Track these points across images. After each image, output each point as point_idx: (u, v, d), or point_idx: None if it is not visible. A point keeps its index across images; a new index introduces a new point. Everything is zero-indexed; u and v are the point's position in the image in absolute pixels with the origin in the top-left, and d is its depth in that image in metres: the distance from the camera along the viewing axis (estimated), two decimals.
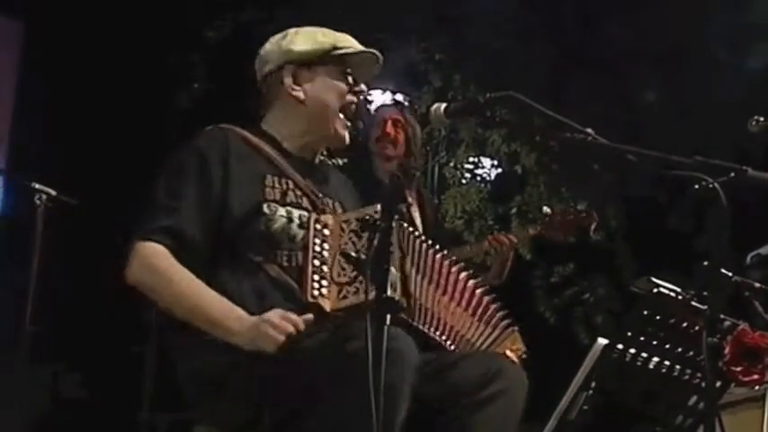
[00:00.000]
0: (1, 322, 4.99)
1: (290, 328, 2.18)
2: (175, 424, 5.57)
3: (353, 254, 2.33)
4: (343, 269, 2.30)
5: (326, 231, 2.36)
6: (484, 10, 6.41)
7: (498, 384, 2.29)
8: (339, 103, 2.52)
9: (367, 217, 2.33)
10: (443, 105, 2.39)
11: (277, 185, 2.44)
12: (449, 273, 2.51)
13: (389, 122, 3.81)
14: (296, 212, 2.41)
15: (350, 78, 2.54)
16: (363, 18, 6.42)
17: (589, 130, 2.23)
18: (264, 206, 2.39)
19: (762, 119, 2.93)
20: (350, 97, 2.54)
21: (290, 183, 2.46)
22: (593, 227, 3.99)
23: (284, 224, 2.39)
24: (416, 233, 2.51)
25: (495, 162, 6.84)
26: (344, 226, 2.36)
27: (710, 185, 2.03)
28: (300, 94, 2.52)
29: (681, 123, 5.98)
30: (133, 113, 6.15)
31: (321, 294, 2.28)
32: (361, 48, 2.57)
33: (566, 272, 6.57)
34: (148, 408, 4.71)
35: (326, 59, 2.53)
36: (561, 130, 2.25)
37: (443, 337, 2.44)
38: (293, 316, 2.21)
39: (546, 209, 4.08)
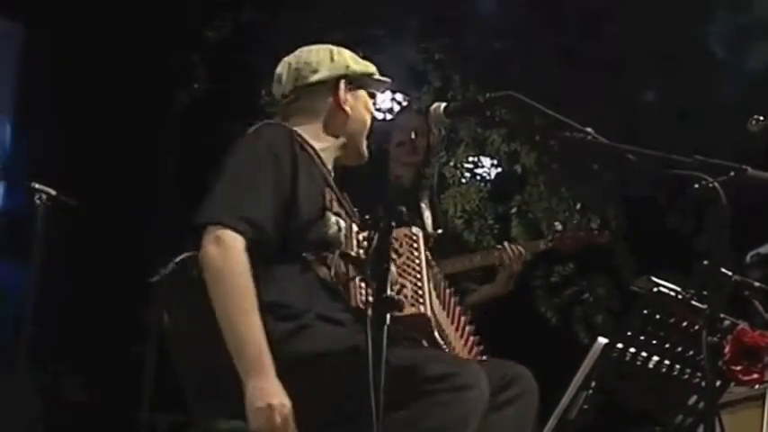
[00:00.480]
0: (0, 322, 4.99)
1: None
2: (175, 424, 5.57)
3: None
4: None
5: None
6: (484, 10, 6.41)
7: (515, 389, 2.35)
8: (369, 123, 2.68)
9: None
10: (443, 105, 2.41)
11: (327, 194, 2.51)
12: (450, 297, 2.64)
13: (415, 130, 3.82)
14: (342, 222, 2.48)
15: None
16: (363, 18, 6.42)
17: (589, 130, 2.23)
18: (326, 211, 2.47)
19: (761, 118, 2.93)
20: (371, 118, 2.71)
21: (334, 194, 2.54)
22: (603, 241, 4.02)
23: (335, 231, 2.46)
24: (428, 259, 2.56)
25: (495, 161, 6.84)
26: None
27: (710, 185, 2.04)
28: (349, 109, 2.62)
29: (680, 123, 5.98)
30: (133, 113, 6.15)
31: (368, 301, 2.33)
32: (385, 79, 2.75)
33: (566, 271, 6.57)
34: (148, 408, 4.71)
35: (367, 83, 2.68)
36: (561, 129, 2.26)
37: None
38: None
39: (558, 225, 4.11)
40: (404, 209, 2.41)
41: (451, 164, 6.76)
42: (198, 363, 2.42)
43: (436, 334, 2.43)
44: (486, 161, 6.86)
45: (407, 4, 6.59)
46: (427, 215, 3.84)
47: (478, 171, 6.88)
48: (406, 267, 2.46)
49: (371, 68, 2.69)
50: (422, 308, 2.36)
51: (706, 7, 5.95)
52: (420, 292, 2.41)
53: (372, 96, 2.70)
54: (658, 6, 6.09)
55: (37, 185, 4.15)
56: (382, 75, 2.73)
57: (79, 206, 4.26)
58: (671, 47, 6.15)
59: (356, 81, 2.65)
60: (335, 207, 2.50)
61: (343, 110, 2.62)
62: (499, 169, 6.86)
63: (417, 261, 2.47)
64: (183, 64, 6.54)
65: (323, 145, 2.60)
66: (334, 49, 2.70)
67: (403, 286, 2.39)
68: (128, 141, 6.11)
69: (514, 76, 6.36)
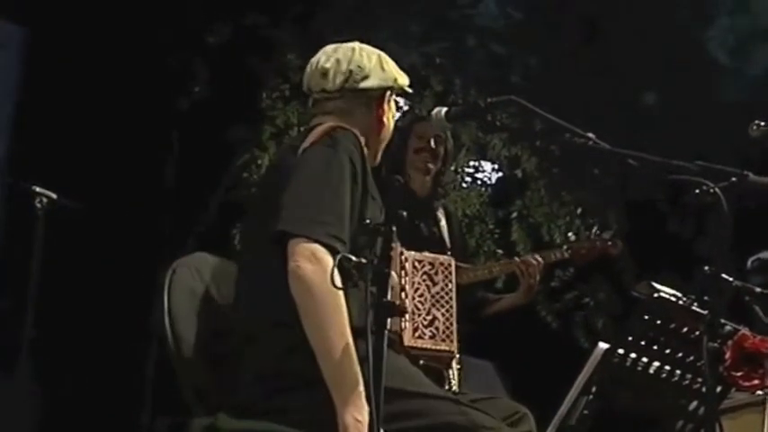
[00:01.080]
0: (1, 326, 4.99)
1: None
2: (176, 427, 5.56)
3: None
4: (420, 310, 2.38)
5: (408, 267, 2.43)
6: (484, 13, 6.41)
7: (524, 426, 2.35)
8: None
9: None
10: (444, 109, 2.40)
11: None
12: None
13: (434, 139, 3.83)
14: None
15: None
16: (364, 22, 6.42)
17: (590, 135, 2.23)
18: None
19: (762, 123, 2.92)
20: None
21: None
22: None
23: None
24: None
25: (496, 166, 6.84)
26: (417, 265, 2.45)
27: (711, 190, 2.03)
28: (385, 119, 2.61)
29: (681, 128, 5.98)
30: (134, 117, 6.15)
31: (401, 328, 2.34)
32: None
33: (566, 276, 6.56)
34: (149, 412, 4.72)
35: (397, 93, 2.66)
36: (562, 134, 2.26)
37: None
38: None
39: (571, 235, 4.12)
40: (404, 213, 2.40)
41: (452, 168, 6.76)
42: (199, 366, 2.41)
43: (453, 363, 2.47)
44: (487, 165, 6.85)
45: (408, 7, 6.59)
46: (443, 223, 3.85)
47: (479, 175, 6.88)
48: (440, 299, 2.48)
49: (407, 81, 2.68)
50: (452, 346, 2.40)
51: (707, 10, 5.96)
52: (450, 328, 2.44)
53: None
54: (659, 9, 6.09)
55: (38, 189, 4.15)
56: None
57: (80, 210, 4.27)
58: (672, 51, 6.15)
59: (395, 93, 2.65)
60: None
61: (382, 121, 2.60)
62: (500, 174, 6.86)
63: (450, 296, 2.50)
64: (184, 68, 6.54)
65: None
66: (383, 56, 2.66)
67: (435, 319, 2.38)
68: (129, 145, 6.11)
69: (516, 80, 6.37)
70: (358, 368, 2.20)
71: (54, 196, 4.17)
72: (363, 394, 2.18)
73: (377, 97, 2.59)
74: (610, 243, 4.00)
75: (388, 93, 2.61)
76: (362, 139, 2.47)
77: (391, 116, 2.63)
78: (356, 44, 2.67)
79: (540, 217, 6.56)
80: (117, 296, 5.64)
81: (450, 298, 2.49)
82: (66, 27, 6.02)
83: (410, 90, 2.68)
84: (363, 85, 2.58)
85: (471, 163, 6.85)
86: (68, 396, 6.03)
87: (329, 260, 2.23)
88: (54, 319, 5.05)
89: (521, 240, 6.35)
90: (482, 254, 6.26)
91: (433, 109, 2.47)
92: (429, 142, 3.79)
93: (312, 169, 2.36)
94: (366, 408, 2.17)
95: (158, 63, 6.29)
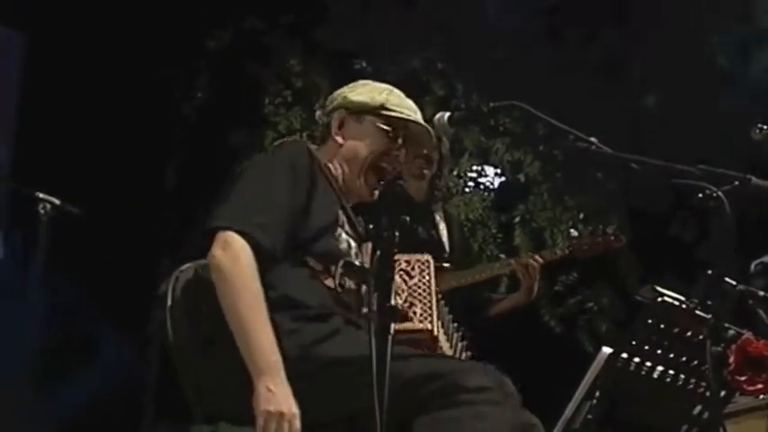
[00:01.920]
0: (4, 332, 4.99)
1: None
2: None
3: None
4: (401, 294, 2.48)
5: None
6: (486, 18, 6.41)
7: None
8: (373, 155, 2.60)
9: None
10: (447, 114, 2.41)
11: (340, 214, 2.55)
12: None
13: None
14: (353, 242, 2.53)
15: (394, 142, 2.62)
16: (365, 27, 6.43)
17: (593, 139, 2.23)
18: (338, 227, 2.51)
19: (765, 127, 2.92)
20: (388, 157, 2.61)
21: (346, 215, 2.58)
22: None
23: (346, 248, 2.51)
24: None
25: (499, 170, 6.84)
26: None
27: (714, 194, 2.03)
28: (339, 139, 2.63)
29: (684, 132, 5.98)
30: (136, 123, 6.16)
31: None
32: (413, 117, 2.64)
33: (570, 281, 6.56)
34: (151, 418, 4.70)
35: (375, 115, 2.63)
36: (565, 138, 2.26)
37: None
38: None
39: (573, 232, 4.11)
40: (407, 218, 2.41)
41: (455, 173, 6.76)
42: (200, 370, 2.42)
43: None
44: (490, 170, 6.86)
45: (410, 12, 6.60)
46: (442, 227, 3.85)
47: (482, 180, 6.88)
48: (416, 289, 2.54)
49: (384, 103, 2.63)
50: (429, 325, 2.45)
51: (709, 16, 5.96)
52: (429, 311, 2.50)
53: (392, 136, 2.61)
54: (660, 13, 6.09)
55: (41, 195, 4.15)
56: (420, 117, 2.66)
57: (83, 216, 4.27)
58: (674, 56, 6.15)
59: (364, 114, 2.63)
60: (347, 227, 2.54)
61: (335, 139, 2.65)
62: (503, 178, 6.86)
63: (428, 285, 2.56)
64: (185, 73, 6.55)
65: (336, 170, 2.63)
66: (361, 83, 2.72)
67: (413, 305, 2.45)
68: (131, 151, 6.12)
69: (518, 84, 6.37)
70: (272, 341, 2.27)
71: (57, 202, 4.17)
72: (280, 366, 2.25)
73: (336, 122, 2.66)
74: (613, 237, 3.99)
75: (343, 111, 2.65)
76: (315, 154, 2.57)
77: (360, 136, 2.62)
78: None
79: (542, 221, 6.56)
80: (120, 301, 5.64)
81: (428, 289, 2.55)
82: (66, 33, 6.03)
83: (397, 113, 2.63)
84: (326, 109, 2.71)
85: (474, 168, 6.85)
86: (71, 402, 6.03)
87: (241, 244, 2.32)
88: (58, 324, 5.05)
89: (523, 245, 6.35)
90: (485, 258, 6.26)
91: (435, 114, 2.46)
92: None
93: (243, 172, 2.48)
94: (282, 379, 2.24)
95: (160, 69, 6.30)
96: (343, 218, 2.55)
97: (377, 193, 2.62)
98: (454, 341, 2.74)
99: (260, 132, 6.30)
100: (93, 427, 5.85)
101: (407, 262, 2.58)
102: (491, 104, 2.38)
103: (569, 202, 6.58)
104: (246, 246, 2.32)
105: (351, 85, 2.73)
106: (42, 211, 4.14)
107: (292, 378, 2.27)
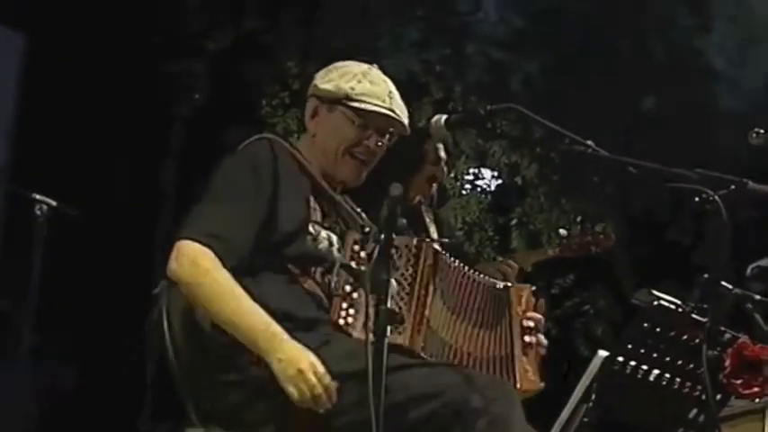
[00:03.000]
0: (2, 333, 4.99)
1: (322, 404, 2.20)
2: None
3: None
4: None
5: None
6: (484, 20, 6.42)
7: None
8: (343, 146, 2.54)
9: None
10: (444, 117, 2.40)
11: (317, 208, 2.48)
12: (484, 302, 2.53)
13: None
14: (334, 237, 2.46)
15: (364, 130, 2.54)
16: (364, 29, 6.43)
17: (589, 142, 2.23)
18: (310, 226, 2.43)
19: (762, 131, 2.92)
20: (360, 147, 2.55)
21: (331, 206, 2.51)
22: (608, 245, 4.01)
23: (327, 246, 2.44)
24: (458, 264, 2.51)
25: (496, 173, 6.85)
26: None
27: (711, 198, 2.03)
28: (312, 129, 2.59)
29: (680, 135, 5.99)
30: (134, 124, 6.16)
31: (347, 323, 2.32)
32: (376, 105, 2.55)
33: (566, 284, 6.57)
34: (149, 417, 4.70)
35: (342, 104, 2.56)
36: (561, 141, 2.26)
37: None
38: (333, 390, 2.21)
39: (562, 231, 4.11)
40: (404, 221, 2.39)
41: (452, 175, 6.77)
42: (194, 373, 2.41)
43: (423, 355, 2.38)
44: (487, 173, 6.87)
45: (408, 15, 6.60)
46: (433, 229, 3.84)
47: (479, 183, 6.89)
48: (398, 285, 2.38)
49: (347, 92, 2.55)
50: (399, 339, 2.29)
51: (705, 19, 5.96)
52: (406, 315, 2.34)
53: (361, 125, 2.53)
54: (658, 18, 6.10)
55: (37, 196, 4.15)
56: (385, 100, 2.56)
57: (80, 217, 4.26)
58: (671, 59, 6.16)
59: (334, 102, 2.56)
60: (326, 221, 2.48)
61: (309, 127, 2.60)
62: (500, 181, 6.87)
63: (413, 276, 2.40)
64: (183, 74, 6.55)
65: (314, 160, 2.57)
66: (332, 66, 2.63)
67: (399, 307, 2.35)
68: (129, 152, 6.12)
69: (515, 87, 6.37)
70: (260, 315, 2.25)
71: (54, 203, 4.17)
72: (277, 331, 2.23)
73: (309, 112, 2.60)
74: (602, 236, 3.99)
75: (315, 100, 2.59)
76: (283, 146, 2.51)
77: (330, 126, 2.55)
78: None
79: (539, 224, 6.57)
80: (116, 302, 5.64)
81: (410, 283, 2.38)
82: (65, 34, 6.03)
83: (361, 102, 2.54)
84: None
85: (471, 170, 6.85)
86: (68, 402, 6.02)
87: (195, 248, 2.30)
88: (54, 325, 5.05)
89: (520, 247, 6.36)
90: (482, 261, 6.26)
91: (432, 116, 2.45)
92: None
93: (208, 185, 2.45)
94: (288, 343, 2.22)
95: (158, 70, 6.30)
96: (318, 213, 2.47)
97: (363, 175, 2.56)
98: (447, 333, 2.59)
99: (257, 134, 6.30)
100: (91, 427, 5.85)
101: (396, 248, 2.37)
102: (488, 107, 2.37)
103: (566, 206, 6.59)
104: (203, 248, 2.30)
105: (326, 68, 2.64)
106: (39, 213, 4.13)
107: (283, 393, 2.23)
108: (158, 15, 6.25)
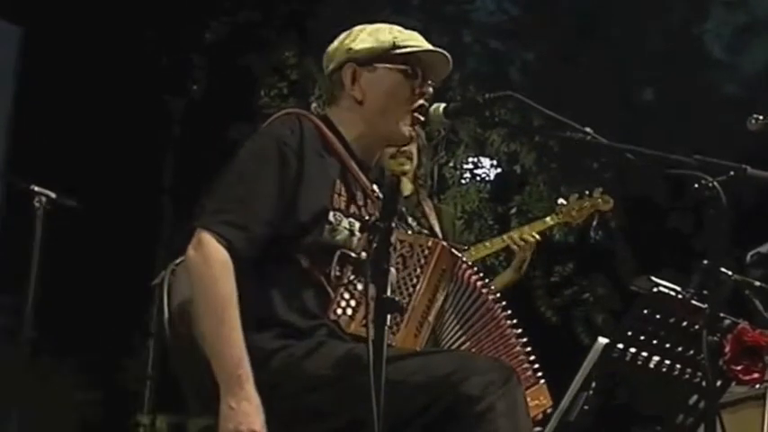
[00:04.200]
0: (1, 327, 4.99)
1: None
2: (175, 426, 5.57)
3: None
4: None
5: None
6: (482, 9, 6.41)
7: None
8: (399, 104, 2.42)
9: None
10: (442, 106, 2.38)
11: (344, 193, 2.37)
12: (490, 316, 2.50)
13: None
14: (357, 224, 2.35)
15: (415, 79, 2.43)
16: (361, 18, 6.41)
17: (588, 130, 2.22)
18: (330, 214, 2.33)
19: (761, 117, 2.92)
20: (414, 98, 2.43)
21: (357, 191, 2.39)
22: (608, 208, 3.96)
23: (347, 237, 2.34)
24: (475, 269, 2.47)
25: (495, 162, 6.85)
26: (398, 246, 2.36)
27: (710, 184, 2.03)
28: (358, 95, 2.42)
29: (679, 122, 5.99)
30: (132, 115, 6.15)
31: (345, 314, 2.28)
32: (426, 46, 2.45)
33: (565, 272, 6.57)
34: (150, 410, 4.71)
35: (387, 58, 2.42)
36: (560, 129, 2.25)
37: None
38: None
39: (561, 200, 4.05)
40: (404, 209, 2.39)
41: (451, 164, 6.77)
42: (197, 365, 2.41)
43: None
44: (486, 162, 6.86)
45: (407, 3, 6.59)
46: (433, 217, 3.83)
47: (478, 171, 6.89)
48: (402, 284, 2.35)
49: (393, 41, 2.42)
50: (391, 339, 2.21)
51: (703, 5, 5.95)
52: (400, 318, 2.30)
53: (411, 74, 2.40)
54: (655, 5, 6.09)
55: (36, 188, 4.14)
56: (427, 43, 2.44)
57: (79, 209, 4.25)
58: (669, 45, 6.15)
59: (376, 60, 2.41)
60: (353, 209, 2.37)
61: (352, 96, 2.42)
62: (499, 170, 6.87)
63: (417, 278, 2.35)
64: (181, 66, 6.54)
65: (349, 133, 2.43)
66: (356, 29, 2.48)
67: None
68: (127, 143, 6.11)
69: (514, 75, 6.37)
70: (239, 353, 2.17)
71: (53, 195, 4.16)
72: (245, 380, 2.16)
73: (342, 75, 2.44)
74: (600, 199, 3.95)
75: (349, 66, 2.42)
76: (312, 122, 2.38)
77: (377, 85, 2.41)
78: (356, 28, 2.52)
79: (539, 212, 6.56)
80: (116, 294, 5.64)
81: (415, 284, 2.33)
82: (63, 26, 6.02)
83: (407, 47, 2.41)
84: (329, 68, 2.48)
85: (470, 159, 6.85)
86: (68, 396, 6.03)
87: (214, 246, 2.22)
88: (53, 317, 5.05)
89: None
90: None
91: (431, 106, 2.43)
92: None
93: (232, 163, 2.34)
94: (247, 395, 2.15)
95: (156, 61, 6.29)
96: (342, 199, 2.35)
97: (411, 132, 2.43)
98: (446, 334, 2.53)
99: (256, 125, 6.29)
100: (91, 419, 5.86)
101: (410, 246, 2.36)
102: (486, 95, 2.35)
103: (565, 193, 6.58)
104: (219, 248, 2.22)
105: (346, 35, 2.48)
106: (38, 205, 4.12)
107: (278, 398, 2.20)
108: (155, 8, 6.24)
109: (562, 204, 3.99)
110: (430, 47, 2.46)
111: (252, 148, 2.36)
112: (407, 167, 3.73)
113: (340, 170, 2.39)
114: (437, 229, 3.77)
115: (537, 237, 3.87)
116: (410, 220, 3.67)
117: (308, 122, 2.39)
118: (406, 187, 3.77)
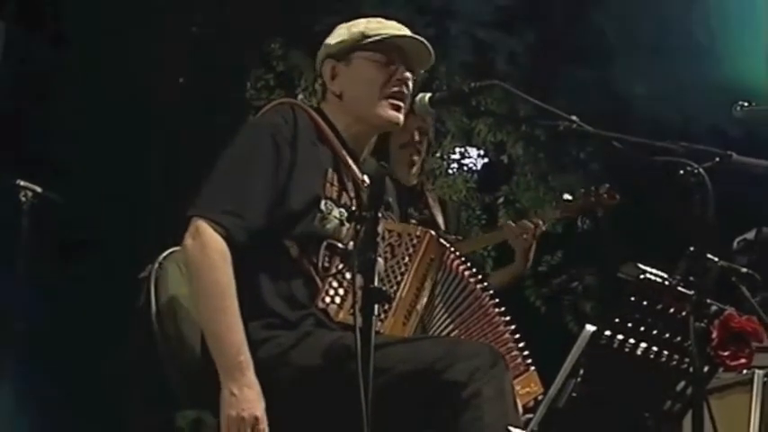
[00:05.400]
0: None
1: None
2: (165, 422, 5.55)
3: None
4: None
5: None
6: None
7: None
8: (374, 91, 2.45)
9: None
10: (428, 95, 2.39)
11: (336, 183, 2.40)
12: (478, 304, 2.50)
13: (417, 131, 3.76)
14: (347, 215, 2.38)
15: (390, 66, 2.45)
16: (348, 9, 6.40)
17: (574, 118, 2.23)
18: (322, 203, 2.36)
19: (746, 104, 2.93)
20: (391, 83, 2.45)
21: (349, 181, 2.42)
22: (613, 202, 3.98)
23: (336, 226, 2.37)
24: (463, 259, 2.47)
25: (482, 152, 6.85)
26: (386, 235, 2.35)
27: (696, 171, 2.04)
28: (337, 89, 2.48)
29: (665, 110, 5.99)
30: (118, 108, 6.12)
31: (333, 302, 2.29)
32: (393, 32, 2.47)
33: (553, 261, 6.58)
34: (139, 406, 4.69)
35: (359, 48, 2.46)
36: (546, 118, 2.26)
37: None
38: None
39: (567, 195, 4.06)
40: (390, 199, 2.39)
41: (438, 155, 6.76)
42: (187, 360, 2.41)
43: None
44: (473, 152, 6.86)
45: None
46: (436, 207, 3.83)
47: (465, 162, 6.89)
48: (390, 273, 2.36)
49: (362, 31, 2.46)
50: (379, 326, 2.23)
51: None
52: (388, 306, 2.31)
53: (386, 62, 2.43)
54: None
55: (22, 183, 4.13)
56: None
57: (65, 203, 4.25)
58: (656, 34, 6.16)
59: (350, 53, 2.47)
60: (344, 198, 2.40)
61: (332, 91, 2.49)
62: (486, 159, 6.87)
63: (406, 267, 2.36)
64: (168, 58, 6.52)
65: (339, 124, 2.48)
66: (339, 26, 2.55)
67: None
68: (113, 136, 6.09)
69: (501, 66, 6.36)
70: (239, 340, 2.20)
71: (39, 190, 4.15)
72: (245, 366, 2.18)
73: (328, 74, 2.51)
74: (606, 195, 3.96)
75: (328, 63, 2.50)
76: (306, 112, 2.42)
77: (354, 77, 2.46)
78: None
79: (526, 202, 6.58)
80: (103, 289, 5.62)
81: (403, 273, 2.34)
82: (44, 20, 5.99)
83: (380, 33, 2.45)
84: (316, 67, 2.56)
85: (457, 149, 6.85)
86: (57, 393, 6.02)
87: (210, 234, 2.24)
88: (41, 315, 5.03)
89: None
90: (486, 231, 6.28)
91: (416, 95, 2.43)
92: (413, 136, 3.74)
93: (226, 152, 2.37)
94: (248, 382, 2.17)
95: (142, 53, 6.26)
96: (334, 189, 2.39)
97: (402, 118, 2.47)
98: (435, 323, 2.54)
99: (243, 117, 6.28)
100: (80, 415, 5.85)
101: (399, 236, 2.37)
102: (472, 84, 2.36)
103: (553, 183, 6.59)
104: (216, 236, 2.24)
105: (330, 34, 2.56)
106: (24, 199, 4.11)
107: (266, 388, 2.21)
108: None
109: (568, 200, 3.99)
110: (403, 33, 2.48)
111: (246, 138, 2.39)
112: (416, 158, 3.76)
113: (332, 159, 2.43)
114: (440, 220, 3.77)
115: (541, 224, 3.86)
116: (411, 210, 3.68)
117: (302, 112, 2.44)
118: (410, 178, 3.78)
